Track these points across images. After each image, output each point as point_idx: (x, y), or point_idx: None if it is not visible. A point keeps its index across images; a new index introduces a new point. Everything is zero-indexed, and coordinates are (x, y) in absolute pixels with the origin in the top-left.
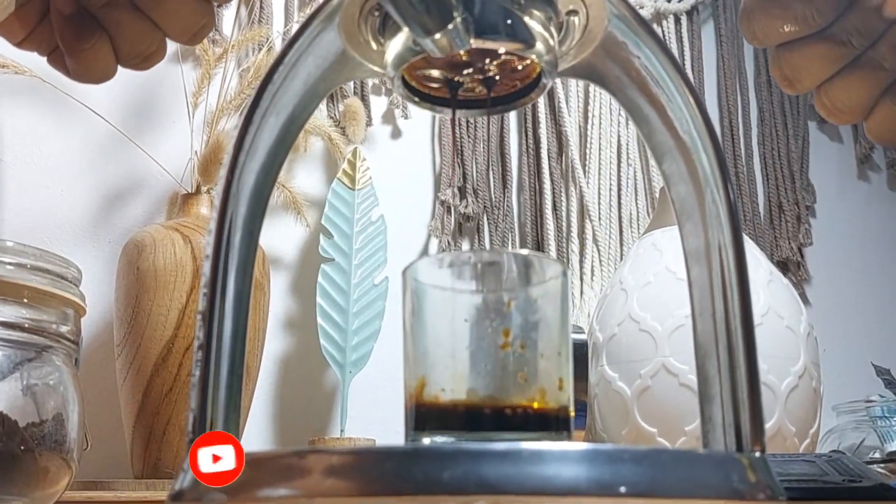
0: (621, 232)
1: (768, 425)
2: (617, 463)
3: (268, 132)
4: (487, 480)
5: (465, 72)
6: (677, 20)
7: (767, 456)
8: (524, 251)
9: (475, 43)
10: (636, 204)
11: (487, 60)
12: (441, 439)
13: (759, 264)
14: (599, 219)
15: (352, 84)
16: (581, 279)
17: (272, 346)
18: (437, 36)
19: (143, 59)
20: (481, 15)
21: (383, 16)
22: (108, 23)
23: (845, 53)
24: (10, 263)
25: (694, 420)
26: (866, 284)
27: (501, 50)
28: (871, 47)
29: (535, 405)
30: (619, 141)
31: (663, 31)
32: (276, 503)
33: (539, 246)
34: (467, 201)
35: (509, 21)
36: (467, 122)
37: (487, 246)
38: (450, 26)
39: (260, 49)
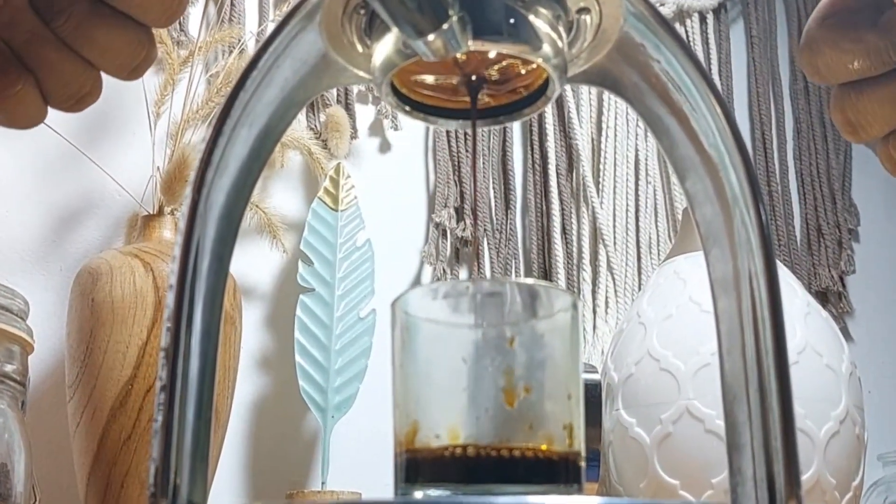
0: (639, 258)
1: (805, 477)
2: None
3: (239, 146)
4: None
5: (465, 78)
6: (702, 19)
7: None
8: (529, 280)
9: (473, 45)
10: (656, 227)
11: (487, 64)
12: (435, 492)
13: (794, 295)
14: (614, 243)
15: (335, 91)
16: (594, 312)
17: (244, 387)
18: (431, 37)
19: (77, 101)
20: (480, 13)
21: (370, 14)
22: (34, 63)
23: None
24: None
25: (721, 471)
26: None
27: (500, 53)
28: None
29: (542, 454)
30: (636, 156)
31: (686, 32)
32: None
33: (546, 274)
34: (465, 224)
35: (512, 20)
36: (465, 134)
37: (488, 274)
38: (444, 26)
39: (231, 51)
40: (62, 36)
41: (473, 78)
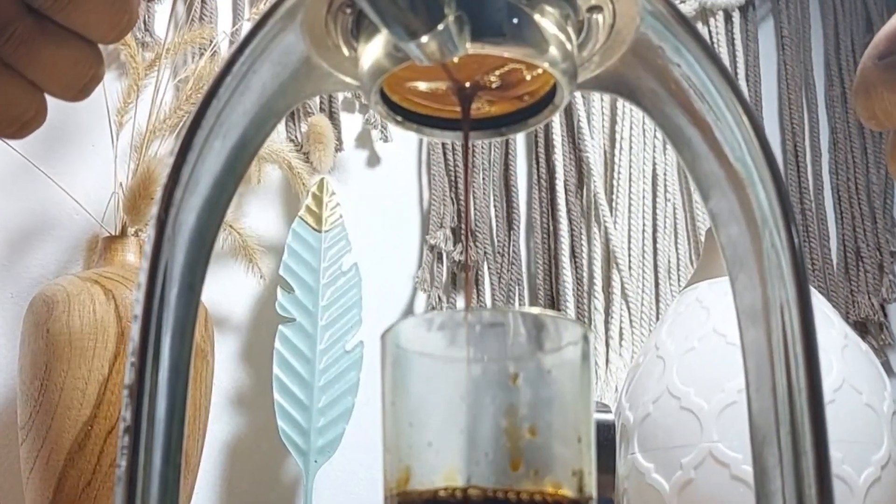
0: (657, 285)
1: None
2: None
3: (212, 159)
4: None
5: (458, 84)
6: (728, 17)
7: None
8: (535, 309)
9: (472, 48)
10: (676, 249)
11: (487, 69)
12: None
13: (831, 325)
14: (630, 268)
15: (318, 99)
16: (607, 344)
17: (217, 428)
18: (424, 39)
19: (20, 127)
20: (479, 12)
21: (357, 14)
22: None
23: None
24: None
25: None
26: None
27: (501, 57)
28: None
29: (549, 503)
30: (653, 170)
31: (710, 32)
32: None
33: (553, 302)
34: (463, 246)
35: (515, 20)
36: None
37: (488, 303)
38: (439, 27)
39: (202, 54)
40: (3, 56)
41: (467, 84)
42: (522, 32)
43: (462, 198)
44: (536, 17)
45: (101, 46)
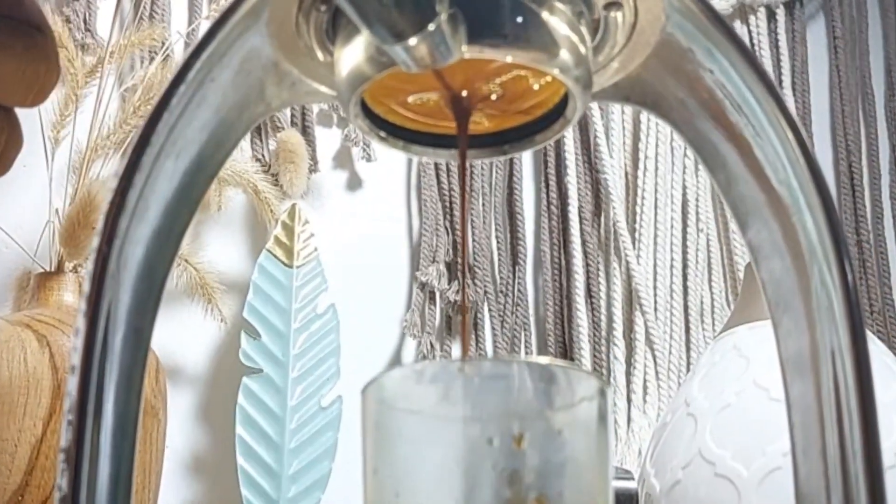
0: (688, 330)
1: None
2: None
3: (164, 182)
4: None
5: (452, 94)
6: (771, 15)
7: None
8: (543, 359)
9: (468, 51)
10: (710, 288)
11: (487, 77)
12: None
13: (892, 377)
14: (655, 310)
15: (288, 111)
16: (628, 400)
17: (171, 497)
18: (412, 41)
19: None
20: (477, 10)
21: (333, 11)
22: None
23: None
24: None
25: None
26: None
27: (503, 62)
28: None
29: None
30: (684, 195)
31: (749, 32)
32: None
33: (566, 350)
34: (459, 284)
35: (519, 18)
36: (459, 167)
37: (489, 351)
38: (430, 27)
39: (152, 58)
40: None
41: (464, 94)
42: (528, 33)
43: (458, 227)
44: (545, 15)
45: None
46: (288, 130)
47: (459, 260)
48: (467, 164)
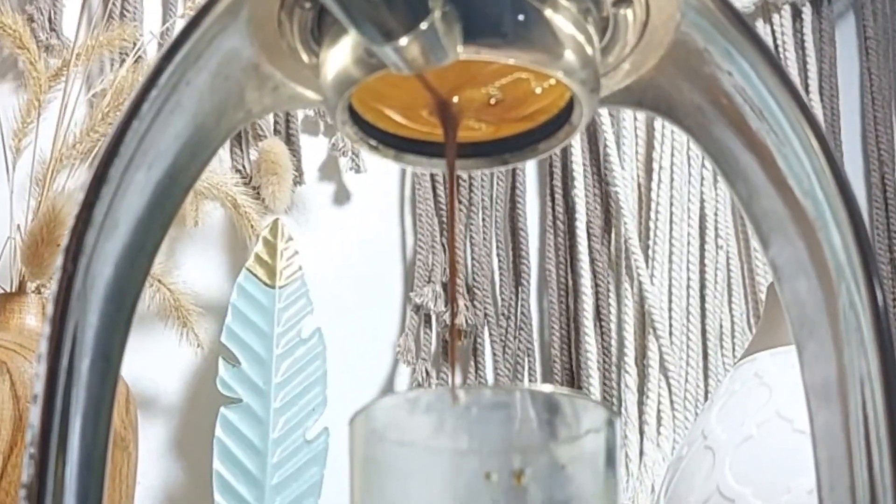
0: (705, 355)
1: None
2: None
3: (134, 195)
4: None
5: (441, 99)
6: (796, 13)
7: None
8: (548, 387)
9: (464, 52)
10: (729, 310)
11: (485, 79)
12: None
13: None
14: (670, 334)
15: (271, 118)
16: (641, 432)
17: None
18: (404, 41)
19: None
20: (474, 6)
21: (318, 9)
22: None
23: None
24: None
25: None
26: None
27: (503, 63)
28: None
29: None
30: (701, 209)
31: (773, 32)
32: None
33: (573, 378)
34: (457, 305)
35: (520, 16)
36: (458, 178)
37: (489, 378)
38: (423, 25)
39: (122, 60)
40: None
41: (455, 101)
42: (530, 32)
43: (459, 243)
44: (548, 12)
45: None
46: (270, 139)
47: (459, 280)
48: (462, 175)
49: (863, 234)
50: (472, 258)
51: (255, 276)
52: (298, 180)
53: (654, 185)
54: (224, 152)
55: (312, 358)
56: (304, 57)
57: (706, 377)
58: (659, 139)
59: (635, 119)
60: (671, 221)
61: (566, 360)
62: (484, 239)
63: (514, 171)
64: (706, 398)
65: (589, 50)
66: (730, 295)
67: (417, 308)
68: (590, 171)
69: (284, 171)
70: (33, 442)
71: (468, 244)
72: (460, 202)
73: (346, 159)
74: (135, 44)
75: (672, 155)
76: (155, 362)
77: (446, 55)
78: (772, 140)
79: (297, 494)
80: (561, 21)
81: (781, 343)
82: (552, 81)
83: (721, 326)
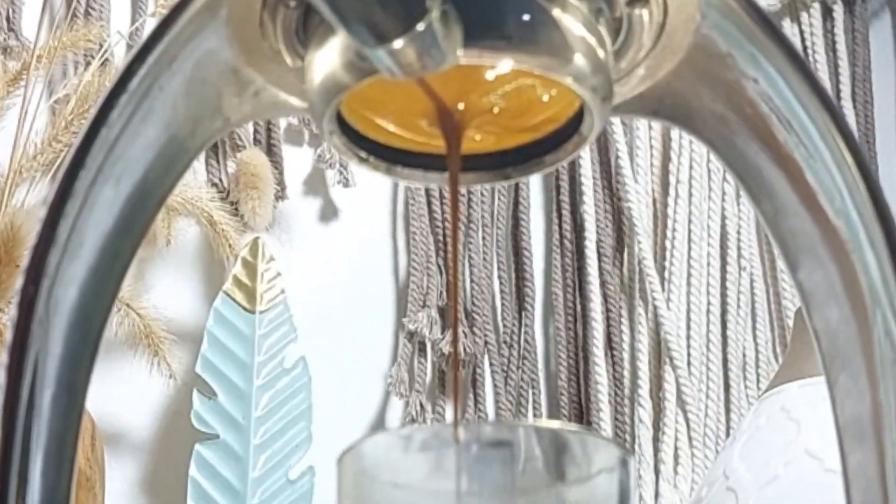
0: (727, 387)
1: None
2: None
3: (101, 212)
4: None
5: (455, 109)
6: (827, 12)
7: None
8: (554, 423)
9: (464, 56)
10: (753, 338)
11: (486, 86)
12: None
13: None
14: (688, 364)
15: (251, 127)
16: (656, 471)
17: None
18: (398, 44)
19: None
20: (475, 5)
21: (304, 8)
22: None
23: None
24: None
25: None
26: None
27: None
28: None
29: None
30: (722, 227)
31: (802, 33)
32: None
33: (582, 413)
34: (455, 333)
35: (526, 16)
36: (451, 194)
37: (490, 413)
38: (419, 26)
39: (88, 63)
40: None
41: (458, 108)
42: (536, 34)
43: (453, 266)
44: (556, 12)
45: None
46: (250, 150)
47: (458, 305)
48: (463, 190)
49: None
50: (472, 280)
51: (234, 299)
52: (280, 195)
53: (670, 201)
54: (199, 164)
55: (296, 390)
56: (289, 60)
57: (728, 411)
58: (676, 150)
59: (650, 129)
60: (689, 240)
61: (574, 392)
62: (484, 260)
63: (517, 185)
64: (728, 434)
65: (601, 53)
66: (754, 321)
67: (411, 335)
68: (600, 185)
69: (265, 185)
70: None
71: (467, 265)
72: (460, 219)
73: (334, 172)
74: (101, 45)
75: (690, 168)
76: (123, 395)
77: (444, 59)
78: (800, 153)
79: None
80: (570, 22)
81: (811, 374)
82: (560, 88)
83: (744, 356)
